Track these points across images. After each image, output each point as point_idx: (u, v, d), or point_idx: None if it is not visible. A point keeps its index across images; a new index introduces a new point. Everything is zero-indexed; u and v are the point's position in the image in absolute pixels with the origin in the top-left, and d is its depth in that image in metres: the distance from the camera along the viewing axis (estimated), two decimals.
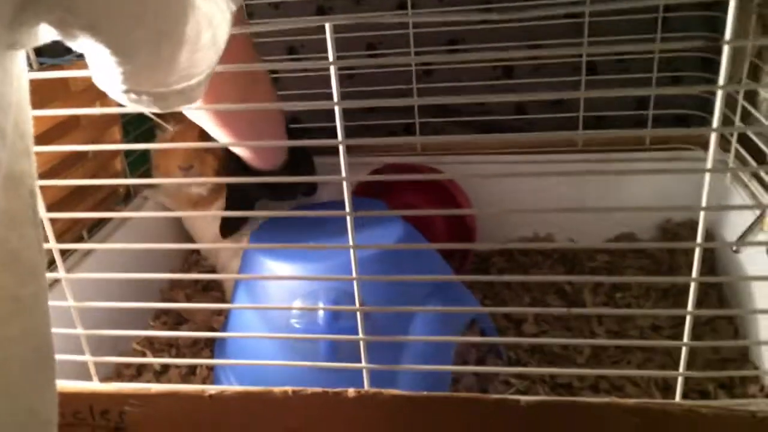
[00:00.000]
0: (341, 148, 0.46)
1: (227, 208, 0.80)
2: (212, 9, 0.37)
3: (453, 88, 0.93)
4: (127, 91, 0.37)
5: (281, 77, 1.01)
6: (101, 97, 0.79)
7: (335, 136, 0.45)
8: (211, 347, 0.79)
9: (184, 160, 0.81)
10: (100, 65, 0.35)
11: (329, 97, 0.45)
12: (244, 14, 0.68)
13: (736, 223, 0.77)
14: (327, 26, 0.43)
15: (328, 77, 0.44)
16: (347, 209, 0.47)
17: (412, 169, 0.89)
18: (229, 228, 0.81)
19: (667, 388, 0.67)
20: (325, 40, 0.43)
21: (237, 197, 0.79)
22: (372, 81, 0.95)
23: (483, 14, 0.48)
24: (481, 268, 0.91)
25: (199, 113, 0.58)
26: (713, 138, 0.42)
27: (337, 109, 0.45)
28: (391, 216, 0.68)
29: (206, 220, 0.86)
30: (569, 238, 0.94)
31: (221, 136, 0.60)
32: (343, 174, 0.46)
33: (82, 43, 0.32)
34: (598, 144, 0.92)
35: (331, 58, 0.43)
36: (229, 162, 0.75)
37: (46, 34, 0.31)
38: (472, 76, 0.95)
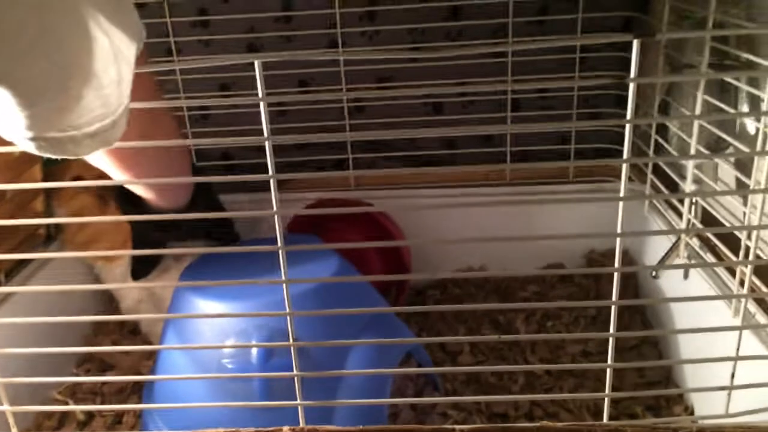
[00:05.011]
0: (272, 183, 0.46)
1: (135, 248, 0.74)
2: (116, 44, 0.35)
3: (384, 124, 0.95)
4: (34, 138, 0.33)
5: (212, 114, 1.00)
6: None
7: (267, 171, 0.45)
8: (138, 394, 0.75)
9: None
10: (2, 110, 0.31)
11: (260, 133, 0.45)
12: (146, 56, 0.67)
13: (656, 252, 0.81)
14: (256, 63, 0.43)
15: (260, 113, 0.44)
16: (279, 243, 0.47)
17: (346, 204, 0.89)
18: (139, 273, 0.74)
19: (598, 413, 0.69)
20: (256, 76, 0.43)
21: (142, 240, 0.72)
22: (304, 118, 0.96)
23: (414, 52, 0.50)
24: (416, 302, 0.91)
25: (97, 155, 0.54)
26: (624, 168, 0.44)
27: (267, 144, 0.45)
28: (326, 252, 0.68)
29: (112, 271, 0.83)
30: (501, 269, 0.96)
31: (123, 178, 0.57)
32: (275, 208, 0.46)
33: None
34: (525, 177, 0.96)
35: (260, 95, 0.44)
36: (121, 204, 0.69)
37: None
38: (403, 112, 0.97)
